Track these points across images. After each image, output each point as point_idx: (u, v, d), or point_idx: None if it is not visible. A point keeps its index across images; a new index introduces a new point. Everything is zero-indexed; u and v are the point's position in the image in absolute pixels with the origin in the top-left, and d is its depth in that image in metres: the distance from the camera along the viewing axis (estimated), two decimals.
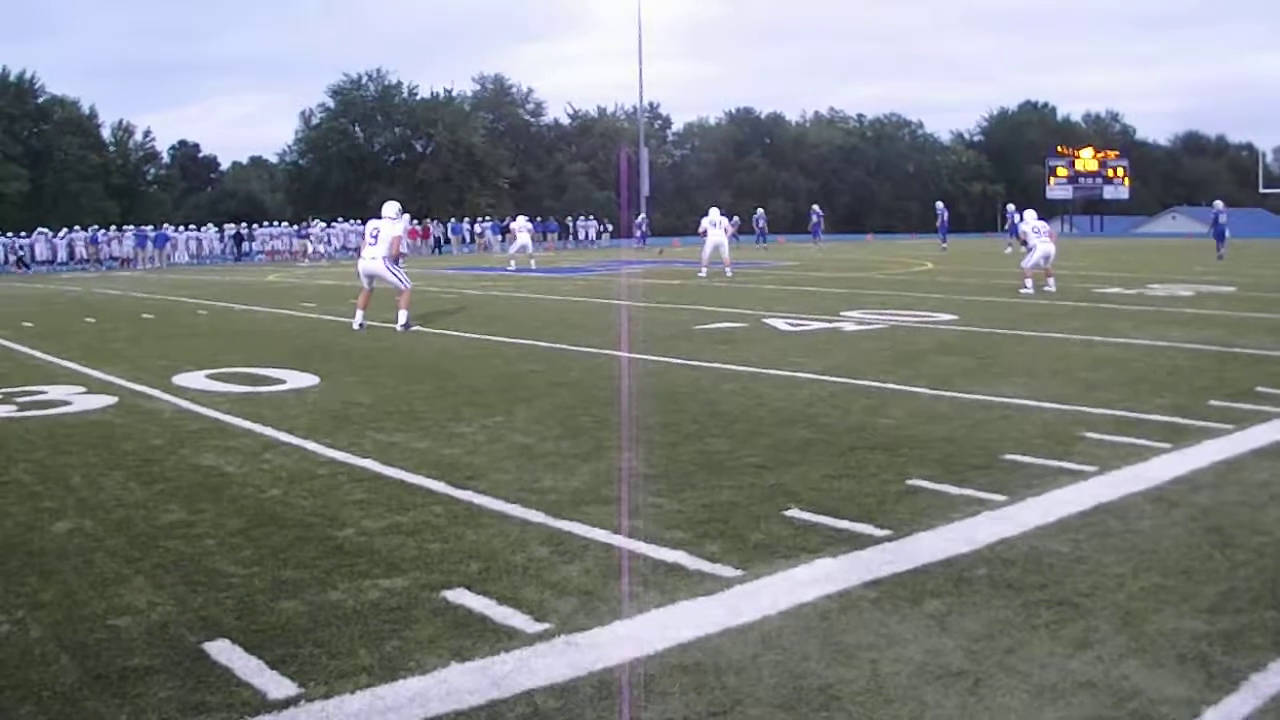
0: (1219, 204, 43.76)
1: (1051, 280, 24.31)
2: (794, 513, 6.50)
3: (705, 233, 32.80)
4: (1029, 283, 24.06)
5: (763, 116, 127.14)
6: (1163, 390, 10.65)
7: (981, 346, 14.43)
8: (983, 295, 23.75)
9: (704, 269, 32.73)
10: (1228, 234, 41.98)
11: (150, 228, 63.55)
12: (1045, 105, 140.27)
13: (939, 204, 59.70)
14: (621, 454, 8.28)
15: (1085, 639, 4.57)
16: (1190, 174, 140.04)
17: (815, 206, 68.55)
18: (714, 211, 33.42)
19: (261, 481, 7.63)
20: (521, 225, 43.37)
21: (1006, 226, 51.92)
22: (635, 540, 6.03)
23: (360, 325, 18.08)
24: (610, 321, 19.70)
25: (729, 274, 32.07)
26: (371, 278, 18.37)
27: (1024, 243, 25.67)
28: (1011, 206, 52.57)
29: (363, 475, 7.76)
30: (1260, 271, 33.14)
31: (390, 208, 18.84)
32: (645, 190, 74.15)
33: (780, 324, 17.69)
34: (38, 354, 15.87)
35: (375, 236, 18.38)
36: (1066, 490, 6.96)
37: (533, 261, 42.09)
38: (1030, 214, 26.44)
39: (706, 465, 7.83)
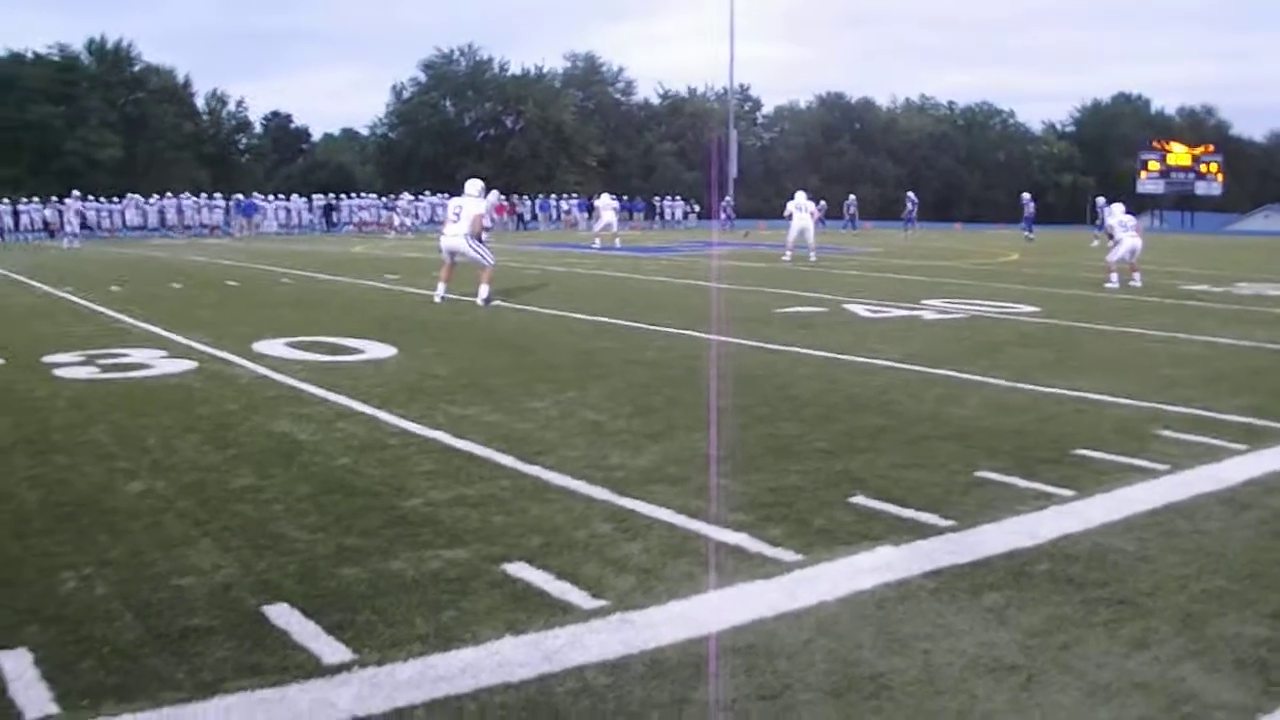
0: None
1: (1137, 275, 24.00)
2: (859, 499, 6.48)
3: (791, 216, 32.68)
4: (1114, 277, 23.79)
5: (853, 101, 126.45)
6: (1242, 390, 10.50)
7: (1062, 340, 14.29)
8: (1067, 288, 23.49)
9: (789, 252, 32.57)
10: None
11: (240, 196, 64.21)
12: (1139, 97, 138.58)
13: (1025, 195, 59.06)
14: (691, 434, 8.28)
15: (1143, 639, 4.53)
16: None
17: (910, 194, 68.08)
18: (800, 195, 33.24)
19: (333, 449, 7.71)
20: (607, 203, 43.39)
21: (1096, 221, 51.28)
22: (698, 521, 6.03)
23: (441, 298, 18.18)
24: (690, 302, 19.66)
25: (813, 258, 31.90)
26: (454, 254, 18.45)
27: (1111, 236, 25.37)
28: (1101, 200, 51.99)
29: (433, 447, 7.81)
30: None
31: (473, 185, 18.86)
32: (733, 172, 73.98)
33: (860, 310, 17.62)
34: (123, 317, 16.12)
35: (458, 214, 18.43)
36: (1136, 488, 6.87)
37: (617, 240, 42.10)
38: (1118, 207, 26.10)
39: (775, 449, 7.81)
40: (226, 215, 63.60)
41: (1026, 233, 53.76)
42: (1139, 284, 23.46)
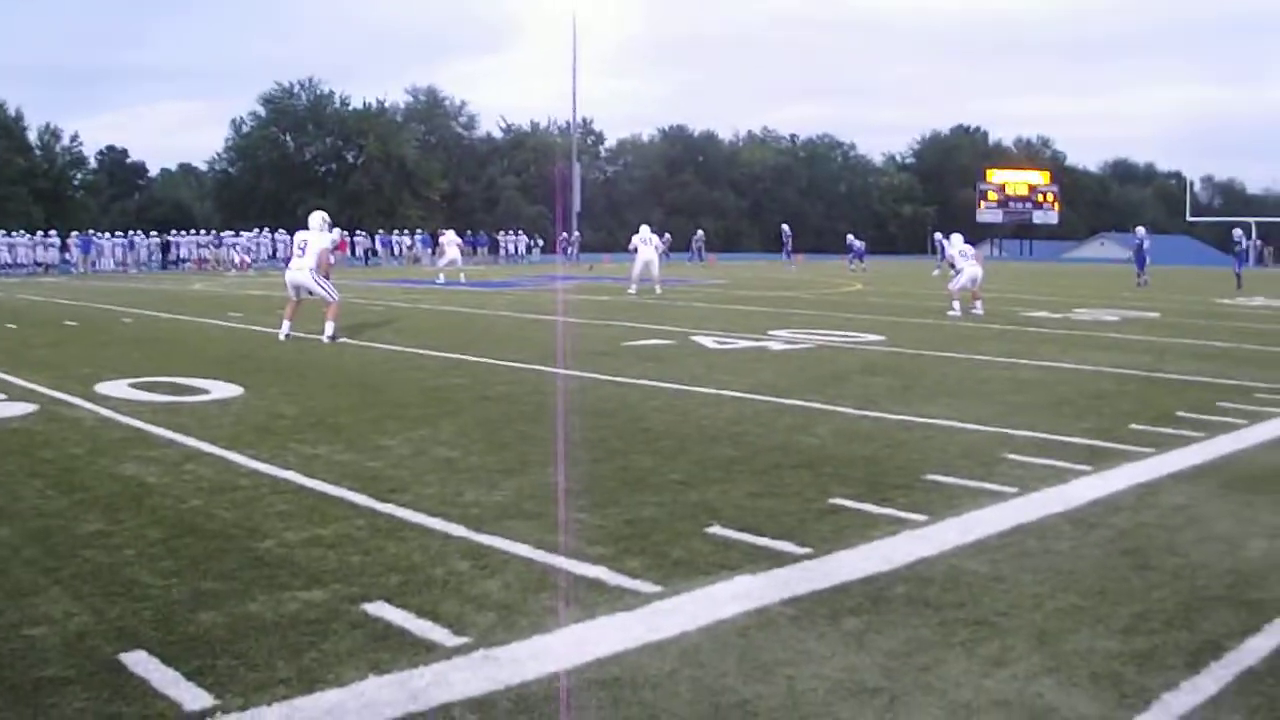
0: (1141, 230, 44.48)
1: (979, 303, 24.52)
2: (715, 530, 6.53)
3: (636, 249, 32.87)
4: (956, 305, 24.27)
5: (695, 134, 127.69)
6: (1085, 414, 10.78)
7: (907, 367, 14.55)
8: (910, 317, 23.93)
9: (634, 285, 32.77)
10: (1149, 260, 42.55)
11: (75, 233, 62.89)
12: (977, 129, 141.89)
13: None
14: (545, 469, 8.29)
15: (1001, 657, 4.63)
16: (1119, 201, 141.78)
17: (785, 226, 68.86)
18: (645, 229, 33.52)
19: (183, 492, 7.58)
20: (451, 239, 43.23)
21: (937, 254, 52.74)
22: (556, 555, 6.03)
23: (287, 336, 17.96)
24: (538, 336, 19.67)
25: (659, 291, 32.13)
26: (299, 289, 18.22)
27: (952, 266, 25.88)
28: (939, 235, 53.50)
29: (285, 487, 7.72)
30: (1184, 298, 33.62)
31: (316, 218, 18.64)
32: (577, 206, 74.15)
33: (708, 341, 17.76)
34: None
35: (303, 249, 18.24)
36: (987, 510, 7.03)
37: (462, 275, 41.94)
38: (957, 237, 26.68)
39: (630, 481, 7.85)
40: (64, 252, 62.23)
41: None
42: (980, 312, 23.98)
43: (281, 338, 17.94)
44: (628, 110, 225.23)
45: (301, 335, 18.00)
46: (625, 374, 13.62)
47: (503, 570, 5.79)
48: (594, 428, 9.99)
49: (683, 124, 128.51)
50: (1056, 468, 8.28)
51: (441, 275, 41.17)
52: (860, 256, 58.36)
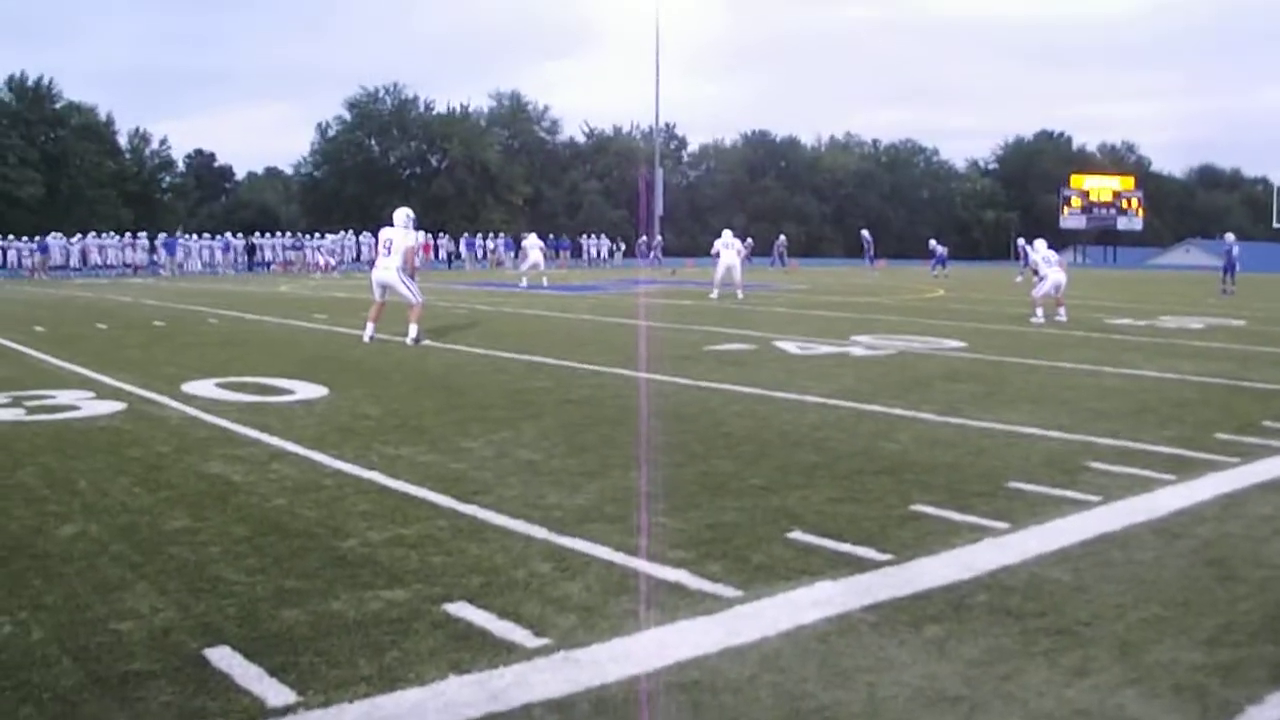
0: (1230, 237, 43.83)
1: (1062, 310, 24.32)
2: (796, 535, 6.51)
3: (718, 254, 32.86)
4: (1040, 312, 24.08)
5: (778, 140, 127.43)
6: (1169, 422, 10.65)
7: (990, 374, 14.43)
8: (993, 323, 23.74)
9: (716, 290, 32.76)
10: (1238, 267, 41.97)
11: (163, 235, 63.80)
12: (1061, 135, 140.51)
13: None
14: (627, 472, 8.30)
15: (1083, 667, 4.58)
16: (1205, 207, 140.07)
17: (864, 232, 68.32)
18: (727, 233, 33.52)
19: (267, 490, 7.65)
20: (533, 243, 43.30)
21: (1020, 260, 52.33)
22: (638, 558, 6.04)
23: (370, 338, 18.08)
24: (620, 340, 19.71)
25: (741, 296, 32.10)
26: (385, 288, 18.33)
27: (1035, 272, 25.65)
28: (1021, 240, 53.04)
29: (368, 487, 7.78)
30: (1272, 306, 33.11)
31: (400, 215, 18.58)
32: (660, 210, 74.22)
33: (790, 347, 17.71)
34: (48, 358, 15.93)
35: (389, 247, 18.35)
36: (1069, 519, 6.95)
37: (545, 279, 42.10)
38: (1040, 243, 26.47)
39: (711, 486, 7.84)
40: (152, 254, 63.10)
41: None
42: (1064, 319, 23.77)
43: (365, 339, 18.05)
44: (710, 115, 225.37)
45: (385, 337, 18.12)
46: (707, 378, 13.61)
47: (584, 573, 5.80)
48: (675, 432, 9.99)
49: (765, 129, 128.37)
50: (1140, 476, 8.17)
51: (524, 279, 41.32)
52: (943, 262, 58.04)
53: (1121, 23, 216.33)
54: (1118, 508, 7.28)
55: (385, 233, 18.72)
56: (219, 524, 6.74)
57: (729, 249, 32.69)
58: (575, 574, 5.77)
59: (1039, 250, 25.80)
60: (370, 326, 18.31)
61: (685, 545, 6.29)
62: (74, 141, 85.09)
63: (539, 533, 6.56)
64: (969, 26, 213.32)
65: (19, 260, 58.63)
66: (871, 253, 64.72)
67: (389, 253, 18.27)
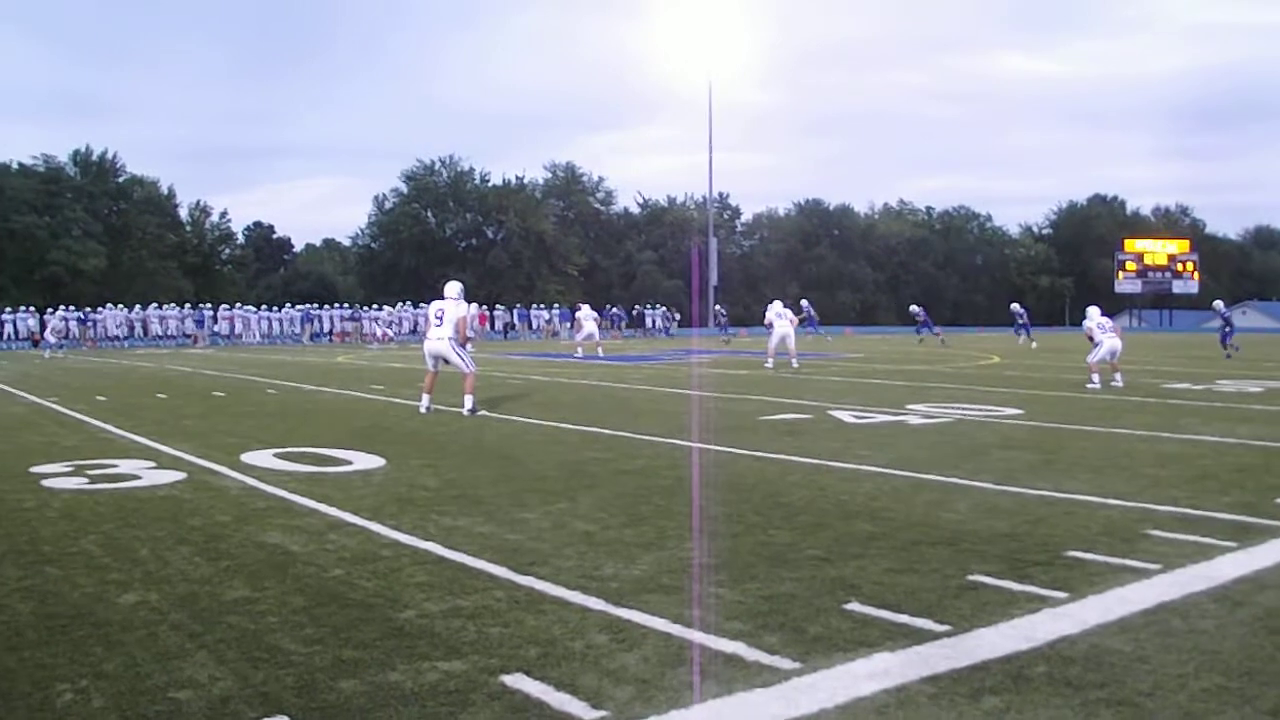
0: (1219, 303, 43.91)
1: (1119, 375, 24.21)
2: (854, 606, 6.48)
3: (771, 324, 32.89)
4: (1095, 377, 23.98)
5: (831, 208, 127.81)
6: (1229, 488, 10.55)
7: (1047, 442, 14.34)
8: (1049, 390, 23.62)
9: (770, 359, 32.80)
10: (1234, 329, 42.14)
11: (225, 307, 64.69)
12: (1114, 198, 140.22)
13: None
14: (684, 543, 8.29)
15: None
16: (1261, 268, 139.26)
17: (914, 307, 67.21)
18: (777, 303, 33.60)
19: (325, 561, 7.69)
20: (588, 314, 43.47)
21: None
22: (694, 630, 6.02)
23: (426, 409, 18.18)
24: (676, 410, 19.72)
25: (795, 365, 32.12)
26: (437, 359, 18.44)
27: (1091, 339, 25.55)
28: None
29: (426, 558, 7.80)
30: None
31: (452, 287, 18.82)
32: (714, 280, 74.40)
33: (845, 416, 17.66)
34: (110, 428, 16.11)
35: (440, 317, 18.45)
36: (1129, 588, 6.89)
37: (600, 349, 42.27)
38: (1094, 310, 26.37)
39: (768, 556, 7.82)
40: (212, 325, 63.85)
41: (1028, 338, 53.40)
42: (1121, 384, 23.66)
43: (422, 410, 18.15)
44: (763, 185, 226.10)
45: (441, 408, 18.20)
46: (763, 449, 13.59)
47: (641, 644, 5.79)
48: (731, 502, 9.98)
49: (818, 197, 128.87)
50: (1200, 544, 8.09)
51: (580, 349, 41.49)
52: (1027, 329, 54.85)
53: (1174, 88, 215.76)
54: (1178, 576, 7.20)
55: (436, 304, 18.84)
56: (277, 594, 6.78)
57: (782, 319, 32.73)
58: (632, 645, 5.76)
59: (1093, 317, 25.71)
60: (426, 398, 18.42)
61: (742, 616, 6.27)
62: (136, 214, 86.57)
63: (596, 604, 6.56)
64: (1022, 92, 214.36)
65: (81, 332, 59.31)
66: (928, 323, 62.60)
67: (440, 323, 18.37)
